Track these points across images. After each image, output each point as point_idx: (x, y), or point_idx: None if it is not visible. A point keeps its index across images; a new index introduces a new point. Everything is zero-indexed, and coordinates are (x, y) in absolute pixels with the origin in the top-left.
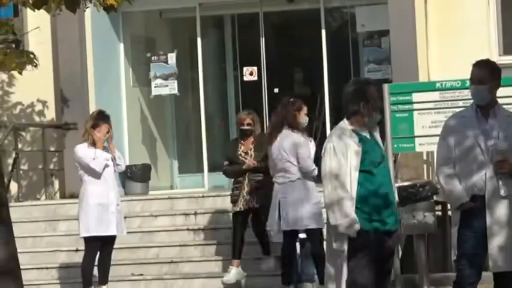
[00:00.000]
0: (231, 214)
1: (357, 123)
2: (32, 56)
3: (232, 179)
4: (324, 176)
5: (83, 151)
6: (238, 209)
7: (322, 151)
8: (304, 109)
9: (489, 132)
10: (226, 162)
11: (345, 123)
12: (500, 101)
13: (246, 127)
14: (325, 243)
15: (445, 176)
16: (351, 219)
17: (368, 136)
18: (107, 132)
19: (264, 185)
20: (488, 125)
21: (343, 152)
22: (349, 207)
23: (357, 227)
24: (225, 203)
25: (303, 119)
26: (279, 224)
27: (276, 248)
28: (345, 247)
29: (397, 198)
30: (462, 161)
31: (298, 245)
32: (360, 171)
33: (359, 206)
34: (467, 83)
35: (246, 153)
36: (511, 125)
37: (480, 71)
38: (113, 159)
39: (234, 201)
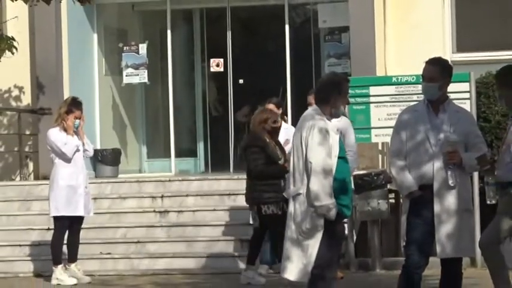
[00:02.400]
0: (195, 197)
1: (326, 112)
2: (11, 41)
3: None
4: (315, 165)
5: (55, 135)
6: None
7: (307, 136)
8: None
9: (439, 127)
10: (260, 161)
11: (318, 111)
12: (452, 96)
13: (278, 125)
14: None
15: (397, 167)
16: (333, 202)
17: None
18: (79, 119)
19: None
20: (439, 120)
21: (327, 140)
22: (332, 192)
23: (335, 210)
24: (191, 187)
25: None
26: None
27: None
28: (321, 228)
29: (352, 185)
30: (413, 153)
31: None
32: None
33: (335, 192)
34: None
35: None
36: (460, 120)
37: (432, 68)
38: (82, 144)
39: (278, 206)
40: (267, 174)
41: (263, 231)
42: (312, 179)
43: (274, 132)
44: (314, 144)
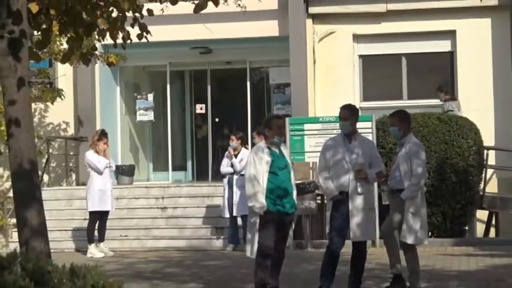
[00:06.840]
0: (185, 198)
1: (267, 142)
2: (61, 91)
3: None
4: (247, 177)
5: (91, 156)
6: None
7: (246, 160)
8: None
9: (352, 150)
10: None
11: (262, 143)
12: (360, 130)
13: None
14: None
15: (323, 178)
16: (261, 202)
17: (277, 150)
18: (105, 144)
19: None
20: (351, 145)
21: (259, 161)
22: (261, 196)
23: (265, 208)
24: (182, 191)
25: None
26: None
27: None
28: (257, 221)
29: (295, 191)
30: (334, 168)
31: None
32: (269, 172)
33: (268, 195)
34: None
35: None
36: (366, 146)
37: (345, 111)
38: (108, 162)
39: None
40: None
41: None
42: (246, 186)
43: None
44: (247, 164)
